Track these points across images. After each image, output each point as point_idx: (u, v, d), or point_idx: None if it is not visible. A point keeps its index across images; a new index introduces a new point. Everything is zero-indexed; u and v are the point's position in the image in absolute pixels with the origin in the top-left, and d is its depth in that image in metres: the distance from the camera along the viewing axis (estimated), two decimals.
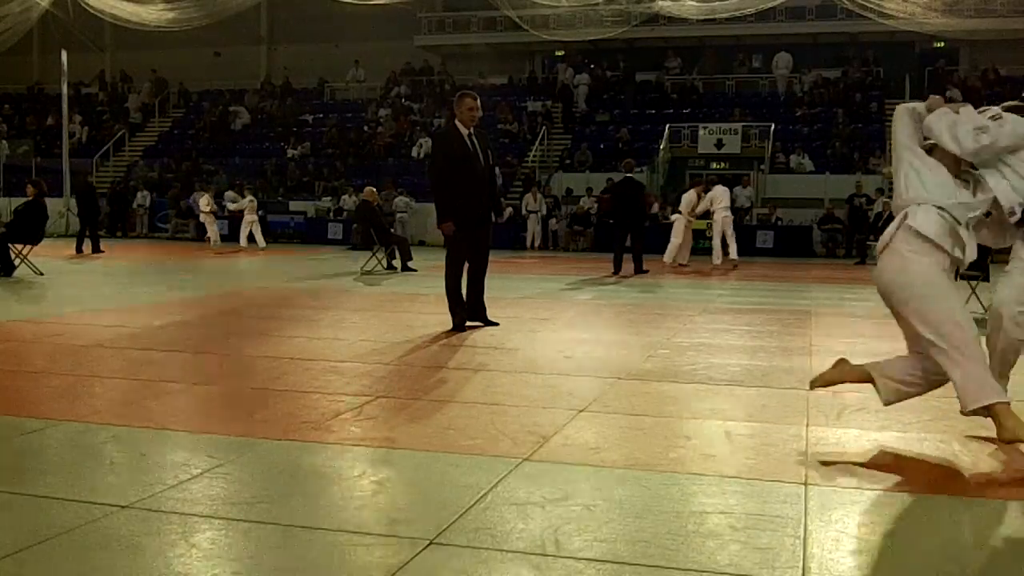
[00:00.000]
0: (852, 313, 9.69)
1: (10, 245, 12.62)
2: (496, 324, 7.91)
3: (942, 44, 27.08)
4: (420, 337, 7.33)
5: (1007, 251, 4.45)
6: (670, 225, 16.97)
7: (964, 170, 4.19)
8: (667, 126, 25.53)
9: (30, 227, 12.89)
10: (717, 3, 24.56)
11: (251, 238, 20.33)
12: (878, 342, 6.82)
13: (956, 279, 4.33)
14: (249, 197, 20.64)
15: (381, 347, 6.81)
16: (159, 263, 16.51)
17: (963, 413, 4.10)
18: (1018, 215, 4.13)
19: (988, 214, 4.22)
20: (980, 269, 8.69)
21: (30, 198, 13.36)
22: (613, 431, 4.43)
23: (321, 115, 30.43)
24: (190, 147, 29.91)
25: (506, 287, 11.33)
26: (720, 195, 16.65)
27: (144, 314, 8.72)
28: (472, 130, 7.70)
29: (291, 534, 2.95)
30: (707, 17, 24.77)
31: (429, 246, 20.79)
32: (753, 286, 13.25)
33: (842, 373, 4.35)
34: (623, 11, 26.32)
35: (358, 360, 6.22)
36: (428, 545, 2.86)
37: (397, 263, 14.84)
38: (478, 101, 7.78)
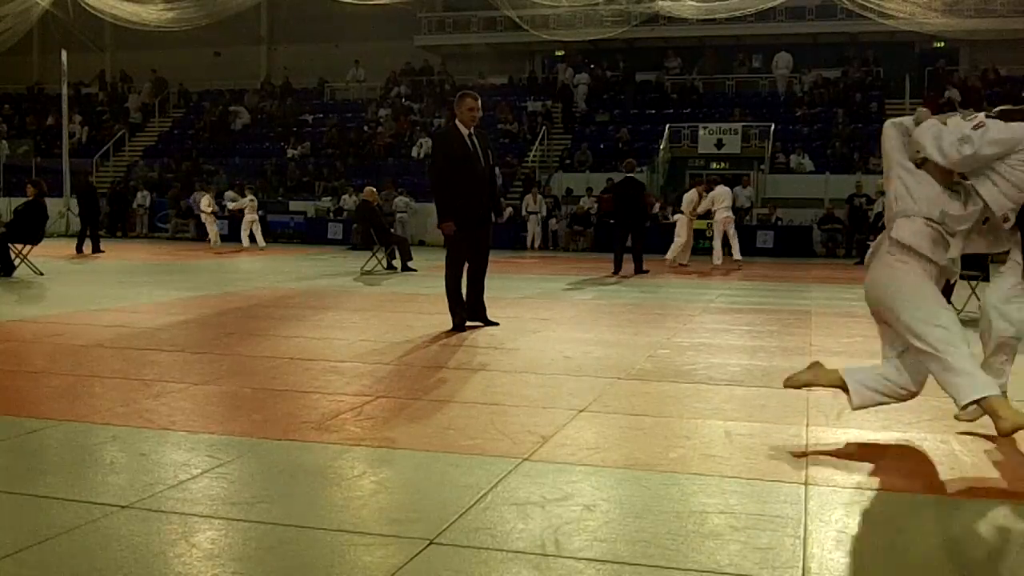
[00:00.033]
0: (852, 313, 9.68)
1: (10, 245, 12.64)
2: (496, 324, 7.91)
3: (942, 44, 27.08)
4: (420, 337, 7.33)
5: (1007, 252, 4.50)
6: (670, 225, 16.98)
7: (956, 181, 4.22)
8: (667, 126, 25.52)
9: (30, 227, 12.90)
10: (717, 3, 24.54)
11: (251, 238, 20.36)
12: (877, 342, 6.78)
13: (952, 284, 4.41)
14: (249, 197, 20.66)
15: (381, 347, 6.81)
16: (159, 263, 16.50)
17: (959, 411, 4.14)
18: (1011, 221, 4.18)
19: (986, 220, 4.25)
20: (980, 269, 8.73)
21: (30, 198, 13.37)
22: (613, 431, 4.43)
23: (321, 115, 30.44)
24: (190, 147, 29.91)
25: (506, 287, 11.34)
26: (722, 195, 16.65)
27: (144, 314, 8.72)
28: (472, 130, 7.70)
29: (291, 534, 2.95)
30: (707, 17, 24.76)
31: (429, 246, 20.80)
32: (753, 286, 13.25)
33: (815, 376, 4.40)
34: (623, 11, 26.32)
35: (358, 360, 6.23)
36: (428, 545, 2.86)
37: (397, 263, 14.83)
38: (479, 101, 7.79)
